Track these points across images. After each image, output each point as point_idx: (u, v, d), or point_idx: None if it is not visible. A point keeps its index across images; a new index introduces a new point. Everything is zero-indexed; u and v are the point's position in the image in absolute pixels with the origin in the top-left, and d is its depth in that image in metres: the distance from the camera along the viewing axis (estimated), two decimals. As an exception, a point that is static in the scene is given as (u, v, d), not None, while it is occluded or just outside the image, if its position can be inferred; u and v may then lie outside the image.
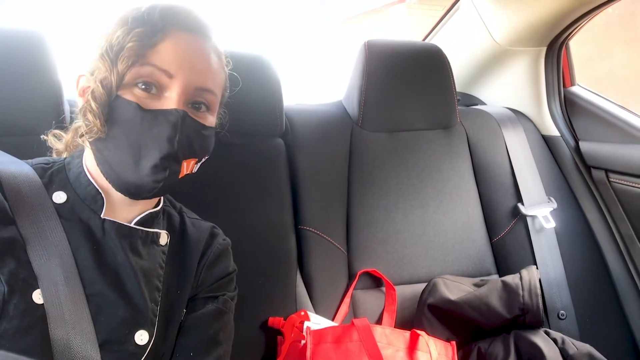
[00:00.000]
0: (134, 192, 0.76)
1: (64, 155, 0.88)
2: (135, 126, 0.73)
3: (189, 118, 0.76)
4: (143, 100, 0.73)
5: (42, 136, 0.91)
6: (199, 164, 0.83)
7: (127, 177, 0.75)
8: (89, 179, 0.79)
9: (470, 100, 1.95)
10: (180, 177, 0.78)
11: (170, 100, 0.74)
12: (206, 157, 0.85)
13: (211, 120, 0.83)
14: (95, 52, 0.76)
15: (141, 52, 0.73)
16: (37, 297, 0.69)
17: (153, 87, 0.74)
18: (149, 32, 0.74)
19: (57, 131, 0.91)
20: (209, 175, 1.12)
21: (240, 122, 1.28)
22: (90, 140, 0.76)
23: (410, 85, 1.51)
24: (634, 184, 1.39)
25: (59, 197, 0.78)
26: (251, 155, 1.31)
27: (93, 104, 0.73)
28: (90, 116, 0.74)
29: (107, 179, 0.77)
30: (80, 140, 0.81)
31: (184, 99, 0.76)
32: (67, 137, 0.88)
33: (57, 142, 0.90)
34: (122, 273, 0.77)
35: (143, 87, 0.74)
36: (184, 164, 0.78)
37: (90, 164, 0.80)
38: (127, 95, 0.73)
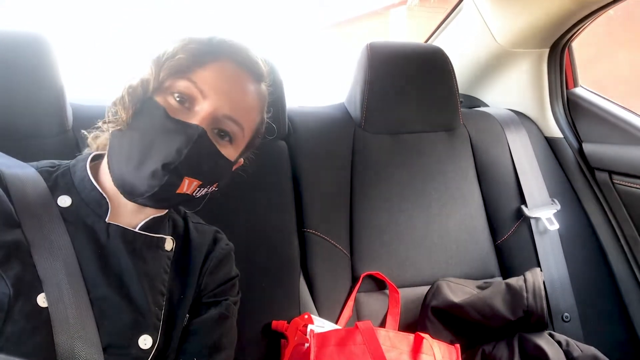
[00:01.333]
0: (128, 191, 0.76)
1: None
2: (155, 129, 0.74)
3: (207, 138, 0.76)
4: (172, 109, 0.75)
5: (82, 131, 0.91)
6: (203, 190, 0.82)
7: (126, 174, 0.75)
8: (92, 184, 0.80)
9: (473, 102, 1.95)
10: (177, 192, 0.77)
11: (197, 116, 0.76)
12: (214, 187, 0.85)
13: (231, 153, 0.83)
14: (149, 60, 0.79)
15: (187, 66, 0.77)
16: (42, 300, 0.69)
17: (187, 101, 0.77)
18: (202, 51, 0.78)
19: (97, 132, 0.91)
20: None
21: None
22: (112, 129, 0.78)
23: (413, 87, 1.50)
24: (637, 186, 1.39)
25: (64, 200, 0.78)
26: (254, 158, 1.31)
27: (127, 98, 0.76)
28: (119, 107, 0.76)
29: (110, 172, 0.78)
30: (104, 127, 0.81)
31: (210, 121, 0.77)
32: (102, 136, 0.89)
33: (93, 142, 0.90)
34: (126, 277, 0.77)
35: (178, 98, 0.76)
36: (185, 180, 0.76)
37: (97, 168, 0.81)
38: (160, 100, 0.76)
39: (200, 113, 0.76)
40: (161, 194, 0.75)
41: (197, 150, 0.75)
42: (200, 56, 0.78)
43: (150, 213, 0.84)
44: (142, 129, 0.75)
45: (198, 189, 0.80)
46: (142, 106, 0.76)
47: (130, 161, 0.74)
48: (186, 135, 0.73)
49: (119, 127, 0.77)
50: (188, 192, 0.79)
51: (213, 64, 0.78)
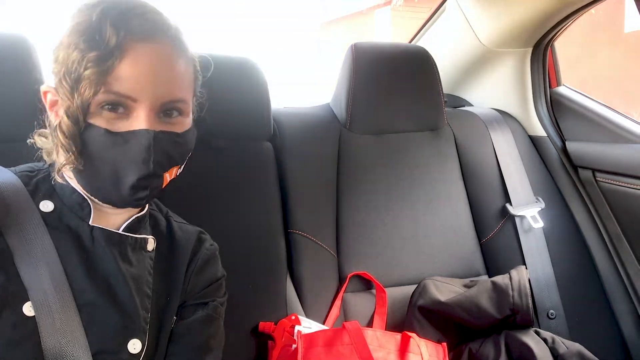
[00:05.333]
0: (120, 205, 0.76)
1: (54, 154, 0.82)
2: (109, 152, 0.70)
3: (161, 134, 0.72)
4: (112, 123, 0.70)
5: (28, 140, 0.86)
6: (182, 166, 0.82)
7: (110, 196, 0.74)
8: (72, 187, 0.78)
9: (458, 102, 1.96)
10: (164, 186, 0.78)
11: (139, 120, 0.70)
12: (189, 154, 0.83)
13: (186, 122, 0.79)
14: (55, 68, 0.72)
15: (100, 80, 0.67)
16: (28, 309, 0.68)
17: (120, 108, 0.70)
18: (104, 55, 0.67)
19: (43, 130, 0.84)
20: (196, 179, 1.11)
21: (227, 125, 1.27)
22: (70, 169, 0.74)
23: (398, 87, 1.51)
24: (620, 183, 1.41)
25: (46, 205, 0.76)
26: (239, 159, 1.31)
27: (63, 139, 0.69)
28: (63, 150, 0.71)
29: (94, 197, 0.76)
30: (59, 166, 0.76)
31: (154, 116, 0.72)
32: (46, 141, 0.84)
33: (46, 142, 0.83)
34: (114, 281, 0.76)
35: (109, 108, 0.70)
36: (166, 175, 0.76)
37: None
38: (96, 121, 0.70)
39: (140, 116, 0.70)
40: (152, 196, 0.76)
41: (161, 149, 0.72)
42: (106, 59, 0.67)
43: (131, 212, 0.83)
44: (98, 158, 0.71)
45: (179, 170, 0.81)
46: (83, 138, 0.70)
47: (106, 186, 0.73)
48: (141, 144, 0.70)
49: (74, 165, 0.71)
50: (174, 177, 0.79)
51: (123, 60, 0.68)
